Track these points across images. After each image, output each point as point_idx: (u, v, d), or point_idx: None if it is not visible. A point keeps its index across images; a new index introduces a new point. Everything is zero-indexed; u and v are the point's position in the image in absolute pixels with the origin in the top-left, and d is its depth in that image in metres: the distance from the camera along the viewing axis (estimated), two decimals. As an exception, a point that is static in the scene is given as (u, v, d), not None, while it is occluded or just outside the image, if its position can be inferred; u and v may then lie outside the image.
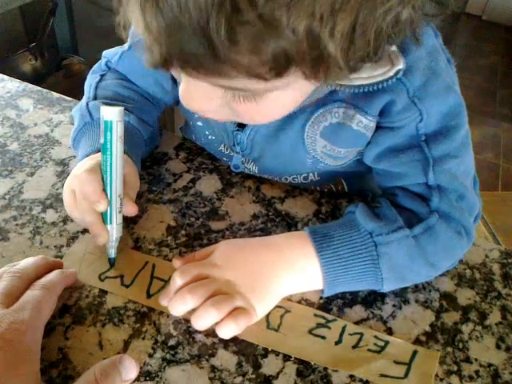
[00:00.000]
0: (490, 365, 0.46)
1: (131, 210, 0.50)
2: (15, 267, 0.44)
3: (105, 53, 0.64)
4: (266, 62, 0.32)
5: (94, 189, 0.47)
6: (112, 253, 0.49)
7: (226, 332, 0.44)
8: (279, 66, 0.33)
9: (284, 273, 0.47)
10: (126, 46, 0.62)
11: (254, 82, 0.34)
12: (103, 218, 0.49)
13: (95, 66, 0.65)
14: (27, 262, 0.45)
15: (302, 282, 0.48)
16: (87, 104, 0.58)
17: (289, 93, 0.39)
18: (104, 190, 0.48)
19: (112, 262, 0.50)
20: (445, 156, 0.48)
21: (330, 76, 0.36)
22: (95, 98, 0.59)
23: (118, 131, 0.47)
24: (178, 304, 0.45)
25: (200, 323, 0.44)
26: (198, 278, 0.46)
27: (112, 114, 0.47)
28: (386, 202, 0.51)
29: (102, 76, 0.62)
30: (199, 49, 0.31)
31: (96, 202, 0.47)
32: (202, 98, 0.40)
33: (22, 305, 0.40)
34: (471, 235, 0.51)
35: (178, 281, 0.46)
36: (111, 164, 0.47)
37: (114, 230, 0.49)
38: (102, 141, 0.47)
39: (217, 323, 0.44)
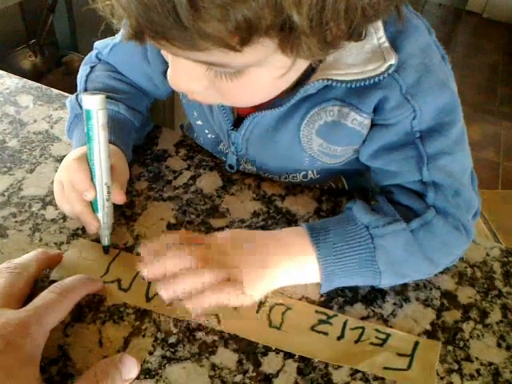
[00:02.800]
0: (490, 363, 0.46)
1: (119, 198, 0.50)
2: (14, 262, 0.44)
3: (96, 44, 0.64)
4: (232, 30, 0.32)
5: (81, 178, 0.48)
6: (105, 241, 0.50)
7: (207, 300, 0.43)
8: (246, 35, 0.32)
9: (283, 264, 0.47)
10: (117, 37, 0.62)
11: (228, 54, 0.34)
12: (93, 206, 0.49)
13: (86, 58, 0.65)
14: (27, 257, 0.45)
15: (299, 275, 0.48)
16: (77, 96, 0.59)
17: (269, 69, 0.39)
18: (91, 179, 0.48)
19: (106, 250, 0.51)
20: (439, 153, 0.48)
21: (303, 49, 0.36)
22: (85, 90, 0.60)
23: (99, 119, 0.47)
24: (168, 289, 0.44)
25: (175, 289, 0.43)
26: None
27: (92, 103, 0.47)
28: (383, 198, 0.51)
29: (92, 68, 0.63)
30: (167, 19, 0.31)
31: (84, 191, 0.48)
32: (187, 79, 0.41)
33: (33, 308, 0.39)
34: (470, 232, 0.51)
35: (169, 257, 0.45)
36: (95, 153, 0.48)
37: (104, 217, 0.49)
38: (85, 130, 0.48)
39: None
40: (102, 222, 0.49)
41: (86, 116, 0.47)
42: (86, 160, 0.49)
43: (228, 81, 0.40)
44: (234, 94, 0.43)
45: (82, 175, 0.48)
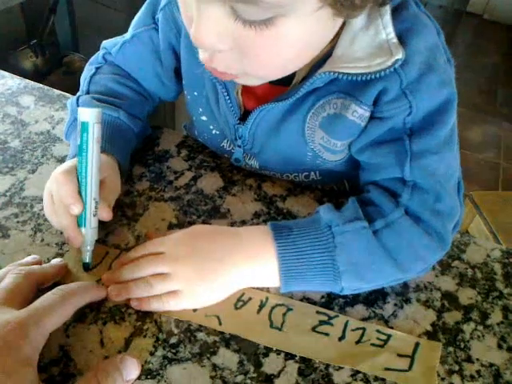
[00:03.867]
0: (491, 364, 0.46)
1: (105, 215, 0.49)
2: (22, 266, 0.44)
3: (104, 43, 0.64)
4: None
5: (68, 191, 0.47)
6: (87, 257, 0.48)
7: (147, 307, 0.46)
8: None
9: (239, 261, 0.47)
10: (127, 35, 0.62)
11: None
12: (78, 221, 0.48)
13: (93, 58, 0.65)
14: (34, 266, 0.45)
15: (257, 274, 0.48)
16: (78, 99, 0.59)
17: (298, 21, 0.39)
18: (79, 193, 0.47)
19: (86, 267, 0.49)
20: (424, 151, 0.48)
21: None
22: (88, 93, 0.60)
23: (94, 133, 0.46)
24: (120, 294, 0.46)
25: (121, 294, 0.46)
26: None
27: (88, 116, 0.46)
28: (353, 199, 0.51)
29: (97, 69, 0.62)
30: None
31: (71, 205, 0.47)
32: (212, 34, 0.40)
33: (34, 309, 0.39)
34: (445, 242, 0.49)
35: (132, 253, 0.49)
36: (87, 166, 0.47)
37: (89, 233, 0.48)
38: (78, 142, 0.47)
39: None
40: (86, 237, 0.48)
41: (80, 128, 0.46)
42: (75, 173, 0.48)
43: (257, 31, 0.39)
44: (260, 54, 0.42)
45: (69, 189, 0.47)
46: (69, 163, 0.51)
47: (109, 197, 0.51)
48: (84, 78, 0.62)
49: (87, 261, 0.48)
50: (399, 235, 0.47)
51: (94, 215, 0.48)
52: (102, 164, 0.50)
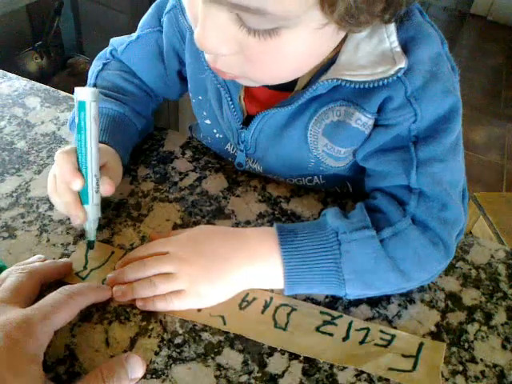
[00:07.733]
0: (495, 365, 0.46)
1: (108, 188, 0.50)
2: (24, 265, 0.45)
3: (112, 40, 0.65)
4: None
5: (68, 168, 0.48)
6: (91, 235, 0.50)
7: (151, 307, 0.46)
8: None
9: (244, 262, 0.47)
10: (133, 35, 0.63)
11: None
12: (81, 198, 0.49)
13: (101, 53, 0.66)
14: (37, 263, 0.46)
15: (262, 276, 0.48)
16: None
17: (302, 33, 0.39)
18: (80, 170, 0.48)
19: (91, 245, 0.50)
20: (430, 159, 0.48)
21: (340, 8, 0.36)
22: (94, 86, 0.61)
23: (92, 110, 0.48)
24: (125, 295, 0.46)
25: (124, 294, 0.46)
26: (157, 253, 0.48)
27: (86, 95, 0.47)
28: (361, 205, 0.50)
29: (104, 65, 0.64)
30: None
31: (71, 181, 0.48)
32: (216, 39, 0.40)
33: (39, 307, 0.39)
34: (450, 250, 0.49)
35: (135, 253, 0.49)
36: (85, 143, 0.48)
37: (93, 210, 0.49)
38: (76, 120, 0.48)
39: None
40: (89, 214, 0.49)
41: (78, 107, 0.48)
42: (74, 152, 0.49)
43: (260, 40, 0.39)
44: (262, 61, 0.42)
45: (69, 166, 0.48)
46: (68, 145, 0.52)
47: (111, 176, 0.52)
48: (92, 72, 0.63)
49: (92, 239, 0.50)
50: (406, 245, 0.47)
51: (96, 192, 0.49)
52: (103, 151, 0.51)
